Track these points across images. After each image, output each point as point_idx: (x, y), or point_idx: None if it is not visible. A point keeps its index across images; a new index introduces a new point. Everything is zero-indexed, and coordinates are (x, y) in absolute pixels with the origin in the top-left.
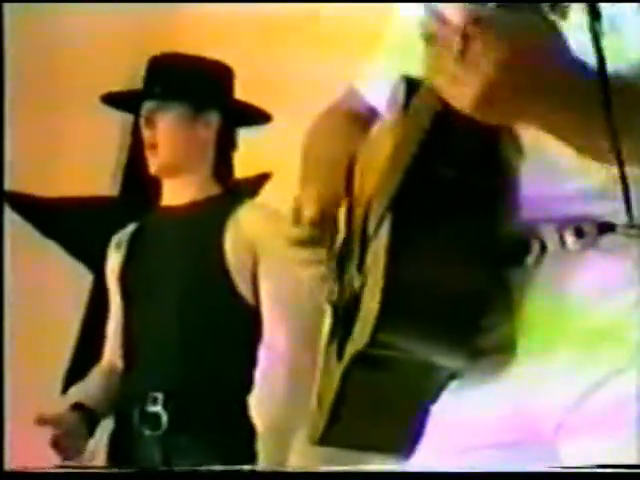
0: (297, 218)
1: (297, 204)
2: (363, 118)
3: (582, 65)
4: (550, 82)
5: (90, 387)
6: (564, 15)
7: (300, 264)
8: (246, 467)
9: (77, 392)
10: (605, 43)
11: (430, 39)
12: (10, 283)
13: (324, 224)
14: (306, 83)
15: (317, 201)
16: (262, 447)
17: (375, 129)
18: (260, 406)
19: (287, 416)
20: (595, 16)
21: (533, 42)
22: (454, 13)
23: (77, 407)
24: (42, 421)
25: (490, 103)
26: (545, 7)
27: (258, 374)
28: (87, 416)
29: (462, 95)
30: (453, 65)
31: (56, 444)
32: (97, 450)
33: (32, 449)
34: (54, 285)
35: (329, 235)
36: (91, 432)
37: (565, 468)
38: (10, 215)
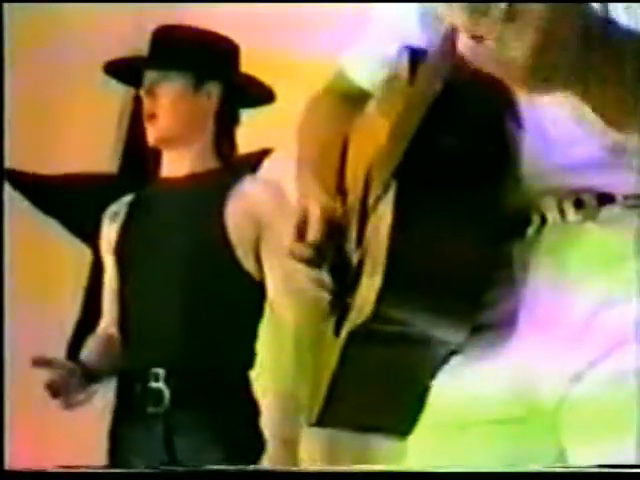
0: (301, 234)
1: (301, 218)
2: (354, 99)
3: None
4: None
5: (87, 353)
6: None
7: (300, 276)
8: (247, 466)
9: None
10: None
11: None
12: (10, 260)
13: (328, 242)
14: (308, 61)
15: (321, 218)
16: (272, 426)
17: (369, 106)
18: (267, 382)
19: (295, 391)
20: None
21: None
22: None
23: (77, 361)
24: (39, 362)
25: (540, 62)
26: None
27: (262, 349)
28: (85, 370)
29: (514, 52)
30: (499, 28)
31: (51, 386)
32: (93, 393)
33: (32, 449)
34: (54, 261)
35: (331, 252)
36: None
37: (565, 468)
38: (10, 192)
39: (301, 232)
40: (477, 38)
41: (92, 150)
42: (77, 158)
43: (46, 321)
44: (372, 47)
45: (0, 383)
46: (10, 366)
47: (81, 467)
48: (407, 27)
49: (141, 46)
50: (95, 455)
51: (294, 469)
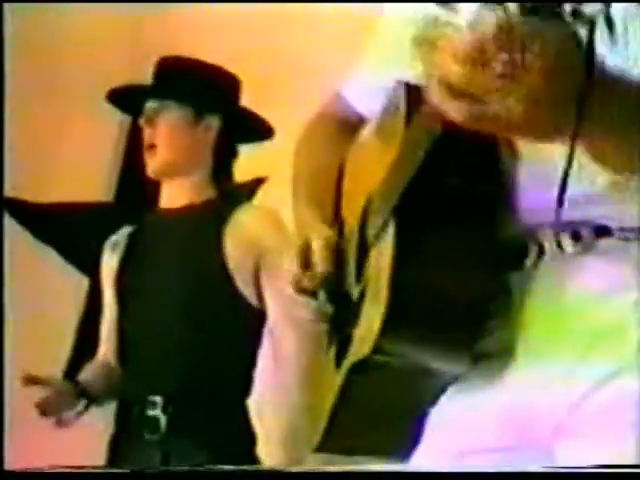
0: (305, 264)
1: (303, 247)
2: (350, 124)
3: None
4: (585, 94)
5: (85, 376)
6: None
7: (301, 307)
8: (247, 467)
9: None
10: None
11: (459, 54)
12: (9, 288)
13: (331, 273)
14: (305, 82)
15: (325, 248)
16: (263, 451)
17: (364, 134)
18: (261, 410)
19: (292, 419)
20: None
21: (567, 52)
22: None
23: (72, 380)
24: (30, 381)
25: (537, 115)
26: (568, 16)
27: (258, 377)
28: (79, 389)
29: (509, 109)
30: (494, 80)
31: (41, 405)
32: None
33: (32, 449)
34: (52, 290)
35: (332, 283)
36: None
37: (565, 468)
38: (9, 220)
39: (306, 262)
40: (467, 96)
41: (90, 178)
42: (74, 186)
43: (45, 335)
44: (370, 71)
45: (0, 384)
46: (10, 368)
47: (81, 467)
48: (406, 55)
49: (140, 63)
50: None
51: (293, 469)
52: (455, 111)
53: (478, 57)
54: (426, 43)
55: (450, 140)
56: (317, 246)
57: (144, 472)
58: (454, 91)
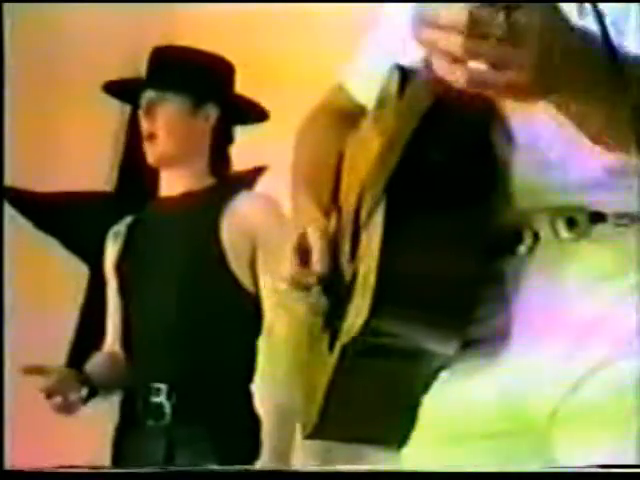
0: (303, 261)
1: (301, 243)
2: (351, 115)
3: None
4: (582, 58)
5: (91, 366)
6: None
7: (295, 300)
8: (247, 467)
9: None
10: None
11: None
12: (10, 278)
13: (327, 266)
14: (303, 78)
15: (322, 244)
16: (266, 437)
17: (363, 124)
18: (263, 395)
19: (290, 404)
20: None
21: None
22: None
23: (75, 368)
24: (32, 371)
25: (542, 77)
26: None
27: (260, 362)
28: (83, 377)
29: (511, 75)
30: (495, 47)
31: (46, 389)
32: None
33: (36, 441)
34: (54, 279)
35: (328, 273)
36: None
37: (565, 468)
38: (9, 210)
39: (302, 259)
40: (463, 60)
41: (90, 167)
42: (75, 175)
43: (46, 327)
44: (371, 62)
45: (0, 381)
46: (10, 361)
47: (81, 467)
48: (404, 42)
49: (139, 60)
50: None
51: (290, 469)
52: (458, 77)
53: (473, 26)
54: (425, 22)
55: (441, 120)
56: (314, 241)
57: (145, 472)
58: (456, 60)
